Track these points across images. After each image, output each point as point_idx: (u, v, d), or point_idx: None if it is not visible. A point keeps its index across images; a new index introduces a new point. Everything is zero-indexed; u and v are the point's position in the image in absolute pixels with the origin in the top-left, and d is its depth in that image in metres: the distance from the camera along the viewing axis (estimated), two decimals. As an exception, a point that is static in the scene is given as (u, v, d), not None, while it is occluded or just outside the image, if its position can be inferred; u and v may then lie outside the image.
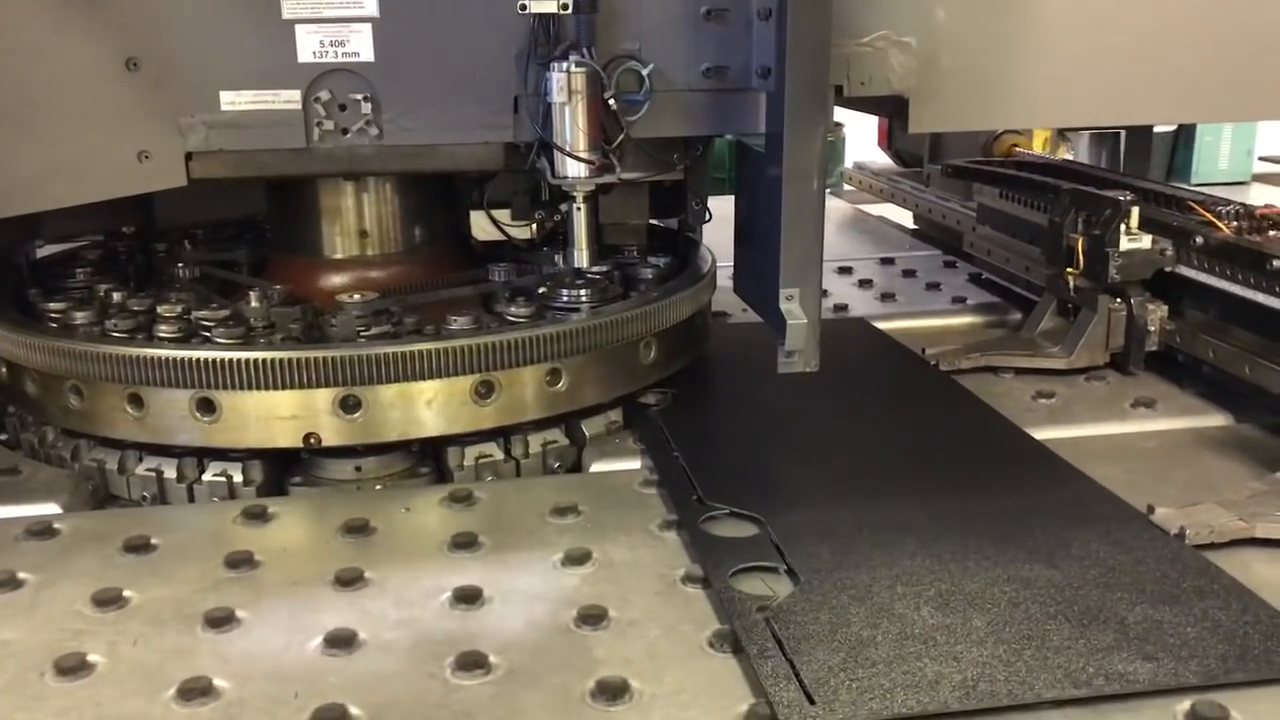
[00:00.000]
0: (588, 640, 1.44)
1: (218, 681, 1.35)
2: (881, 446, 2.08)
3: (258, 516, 1.79)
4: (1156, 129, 4.51)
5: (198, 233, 2.59)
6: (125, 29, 1.84)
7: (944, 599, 1.51)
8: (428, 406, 1.92)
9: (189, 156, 1.92)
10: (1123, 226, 2.34)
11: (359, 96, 1.91)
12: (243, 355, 1.84)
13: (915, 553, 1.63)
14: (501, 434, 2.01)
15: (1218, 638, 1.41)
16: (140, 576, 1.61)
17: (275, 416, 1.88)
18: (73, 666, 1.38)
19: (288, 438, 1.89)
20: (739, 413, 2.25)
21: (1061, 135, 4.37)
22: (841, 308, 2.99)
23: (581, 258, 2.08)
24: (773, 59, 1.83)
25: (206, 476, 1.93)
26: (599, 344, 2.04)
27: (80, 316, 2.06)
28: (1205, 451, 2.08)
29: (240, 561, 1.64)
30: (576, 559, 1.64)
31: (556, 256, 2.34)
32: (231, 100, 1.89)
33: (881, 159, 4.61)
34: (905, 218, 4.20)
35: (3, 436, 2.19)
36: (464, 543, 1.69)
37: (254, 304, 2.00)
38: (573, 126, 1.86)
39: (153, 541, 1.71)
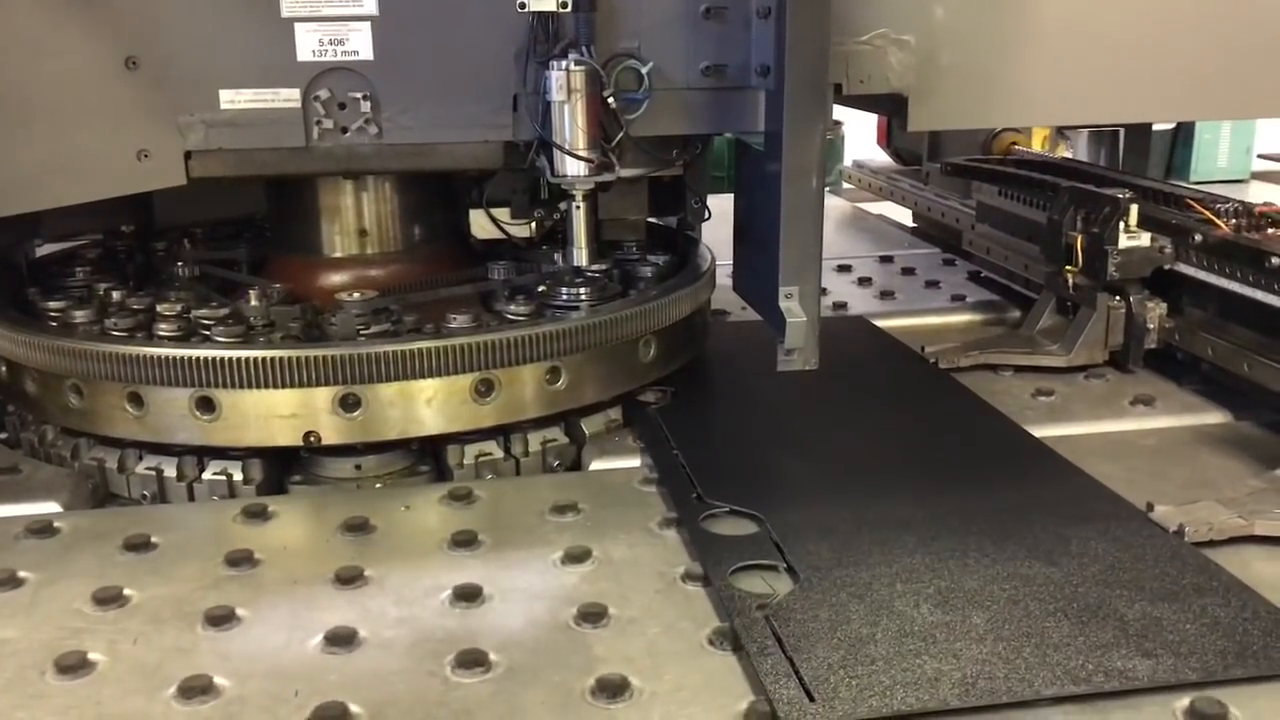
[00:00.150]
0: (587, 638, 1.45)
1: (218, 680, 1.35)
2: (881, 444, 2.08)
3: (258, 515, 1.79)
4: (1155, 127, 4.51)
5: (197, 231, 2.59)
6: (124, 28, 1.84)
7: (943, 596, 1.51)
8: (427, 405, 1.92)
9: (188, 155, 1.92)
10: (1121, 224, 2.34)
11: (358, 95, 1.91)
12: (242, 354, 1.84)
13: (915, 550, 1.63)
14: (501, 432, 2.01)
15: (1217, 635, 1.41)
16: (140, 575, 1.61)
17: (275, 415, 1.88)
18: (73, 665, 1.38)
19: (287, 436, 1.89)
20: (738, 411, 2.25)
21: (1060, 133, 4.37)
22: (841, 306, 2.99)
23: (581, 256, 2.08)
24: (772, 57, 1.83)
25: (206, 475, 1.94)
26: (598, 342, 2.04)
27: (80, 315, 2.07)
28: (1204, 449, 2.09)
29: (240, 560, 1.64)
30: (576, 557, 1.64)
31: (556, 255, 2.34)
32: (231, 99, 1.89)
33: (881, 157, 4.62)
34: (904, 216, 4.21)
35: (2, 435, 2.19)
36: (464, 541, 1.69)
37: (253, 303, 2.01)
38: (572, 125, 1.86)
39: (153, 540, 1.71)
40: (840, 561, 1.60)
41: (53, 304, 2.14)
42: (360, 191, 2.22)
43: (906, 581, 1.55)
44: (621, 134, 1.93)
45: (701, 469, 1.89)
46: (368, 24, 1.89)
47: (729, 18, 1.94)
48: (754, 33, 1.92)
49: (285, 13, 1.86)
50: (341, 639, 1.43)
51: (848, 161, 5.03)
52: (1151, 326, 2.42)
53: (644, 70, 1.93)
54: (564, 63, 1.83)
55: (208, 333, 1.96)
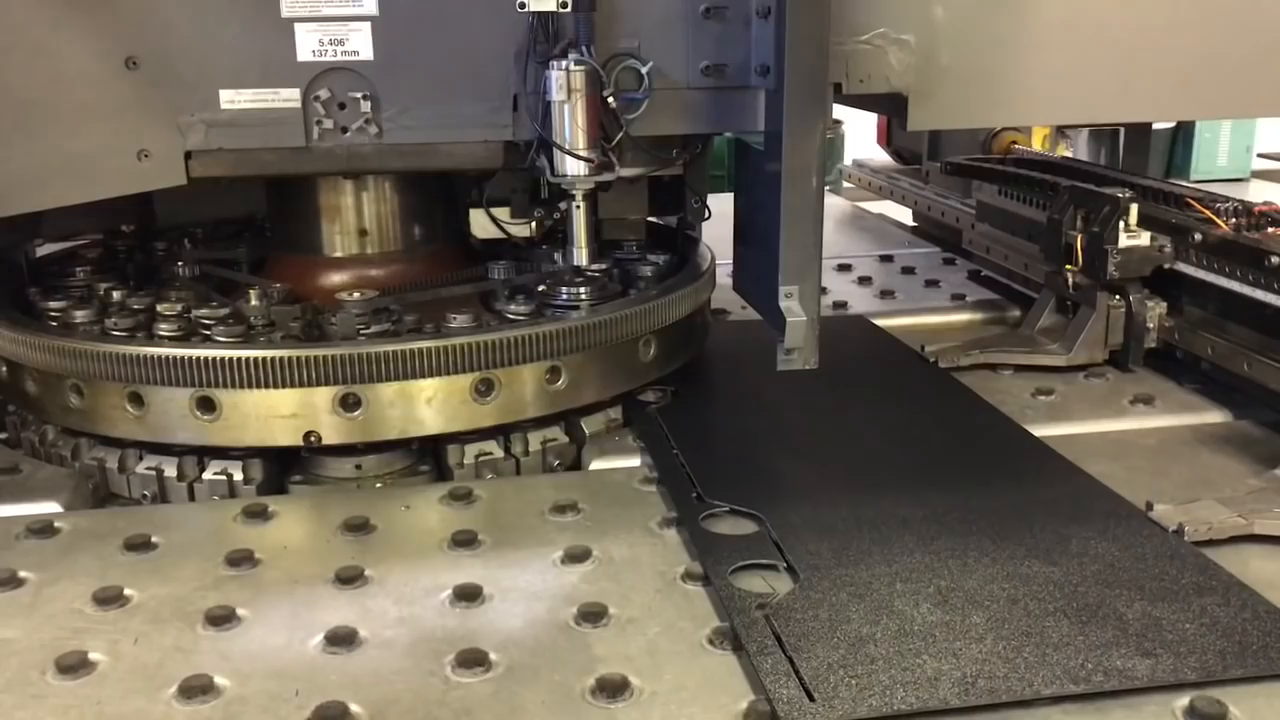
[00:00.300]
0: (588, 638, 1.45)
1: (218, 680, 1.35)
2: (881, 444, 2.08)
3: (258, 515, 1.79)
4: (1155, 126, 4.51)
5: (197, 231, 2.60)
6: (125, 28, 1.84)
7: (943, 596, 1.51)
8: (427, 404, 1.92)
9: (188, 155, 1.92)
10: (1121, 223, 2.34)
11: (358, 95, 1.91)
12: (243, 354, 1.85)
13: (914, 550, 1.64)
14: (501, 432, 2.01)
15: (1216, 634, 1.41)
16: (141, 575, 1.61)
17: (275, 415, 1.88)
18: (74, 665, 1.38)
19: (288, 436, 1.89)
20: (738, 410, 2.25)
21: (1060, 132, 4.37)
22: (841, 305, 2.99)
23: (581, 255, 2.08)
24: (772, 57, 1.84)
25: (207, 475, 1.94)
26: (598, 342, 2.04)
27: (80, 315, 2.07)
28: (1204, 448, 2.09)
29: (241, 560, 1.64)
30: (576, 556, 1.64)
31: (556, 254, 2.34)
32: (231, 99, 1.89)
33: (881, 156, 4.62)
34: (904, 215, 4.21)
35: (3, 435, 2.19)
36: (464, 540, 1.70)
37: (254, 302, 2.01)
38: (572, 125, 1.87)
39: (153, 540, 1.71)
40: (840, 561, 1.60)
41: (53, 304, 2.14)
42: (360, 191, 2.23)
43: (906, 581, 1.55)
44: (621, 134, 1.93)
45: (701, 469, 1.89)
46: (368, 24, 1.89)
47: (729, 17, 1.94)
48: (754, 32, 1.92)
49: (285, 13, 1.87)
50: (342, 639, 1.44)
51: (848, 160, 5.03)
52: (1151, 326, 2.42)
53: (644, 70, 1.93)
54: (564, 62, 1.83)
55: (208, 332, 1.96)
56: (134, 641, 1.45)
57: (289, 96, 1.90)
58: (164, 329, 1.98)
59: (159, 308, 2.03)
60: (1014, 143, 3.77)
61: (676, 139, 2.13)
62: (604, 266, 2.23)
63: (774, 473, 1.96)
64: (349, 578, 1.59)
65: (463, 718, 1.29)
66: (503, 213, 2.49)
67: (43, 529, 1.74)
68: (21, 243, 2.43)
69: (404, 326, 2.02)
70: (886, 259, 3.52)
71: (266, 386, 1.85)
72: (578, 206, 2.02)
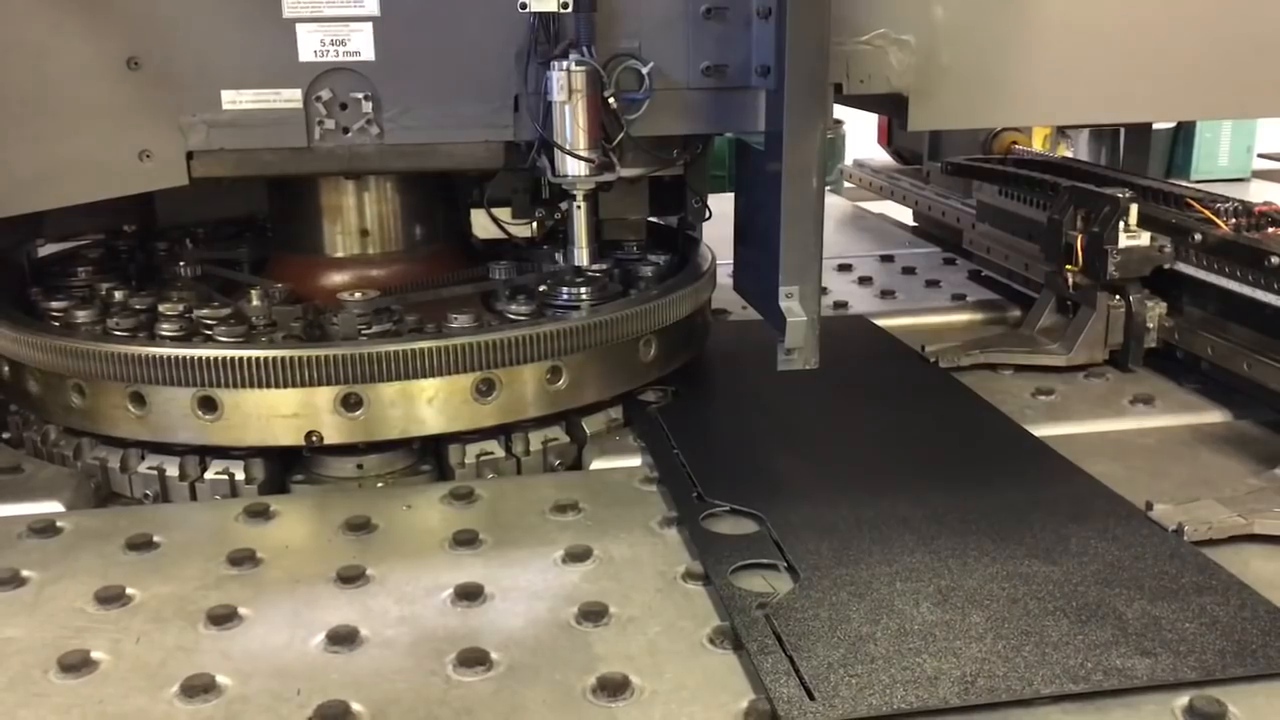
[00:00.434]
0: (588, 637, 1.45)
1: (220, 679, 1.36)
2: (881, 443, 2.09)
3: (259, 514, 1.80)
4: (1155, 126, 4.50)
5: (199, 231, 2.60)
6: (126, 28, 1.84)
7: (943, 595, 1.51)
8: (429, 404, 1.92)
9: (190, 155, 1.93)
10: (1121, 223, 2.34)
11: (360, 95, 1.92)
12: (244, 354, 1.85)
13: (914, 549, 1.64)
14: (502, 431, 2.02)
15: (1216, 633, 1.41)
16: (143, 574, 1.62)
17: (277, 415, 1.88)
18: (76, 664, 1.38)
19: (289, 436, 1.89)
20: (739, 410, 2.25)
21: (1061, 132, 4.37)
22: (841, 305, 2.99)
23: (582, 256, 2.08)
24: (772, 57, 1.84)
25: (208, 474, 1.94)
26: (599, 342, 2.05)
27: (82, 315, 2.07)
28: (1204, 448, 2.09)
29: (242, 559, 1.65)
30: (577, 556, 1.65)
31: (557, 254, 2.34)
32: (232, 99, 1.90)
33: (881, 156, 4.62)
34: (905, 215, 4.21)
35: (5, 435, 2.19)
36: (465, 540, 1.70)
37: (255, 302, 2.01)
38: (573, 125, 1.87)
39: (155, 539, 1.71)
40: (840, 560, 1.61)
41: (55, 304, 2.15)
42: (362, 191, 2.23)
43: (906, 580, 1.55)
44: (622, 134, 1.93)
45: (702, 468, 1.89)
46: (369, 24, 1.89)
47: (729, 18, 1.95)
48: (754, 33, 1.93)
49: (287, 13, 1.87)
50: (343, 638, 1.44)
51: (848, 160, 5.03)
52: (1151, 326, 2.42)
53: (644, 70, 1.93)
54: (565, 63, 1.84)
55: (210, 332, 1.97)
56: (136, 640, 1.45)
57: (290, 97, 1.91)
58: (166, 329, 1.98)
59: (161, 308, 2.04)
60: (1014, 143, 3.77)
61: (677, 139, 2.14)
62: (605, 267, 2.23)
63: (774, 472, 1.97)
64: (350, 577, 1.59)
65: (464, 717, 1.29)
66: (504, 213, 2.49)
67: (45, 528, 1.75)
68: (23, 243, 2.43)
69: (405, 326, 2.02)
70: (887, 259, 3.52)
71: (268, 386, 1.85)
72: (578, 207, 2.03)
